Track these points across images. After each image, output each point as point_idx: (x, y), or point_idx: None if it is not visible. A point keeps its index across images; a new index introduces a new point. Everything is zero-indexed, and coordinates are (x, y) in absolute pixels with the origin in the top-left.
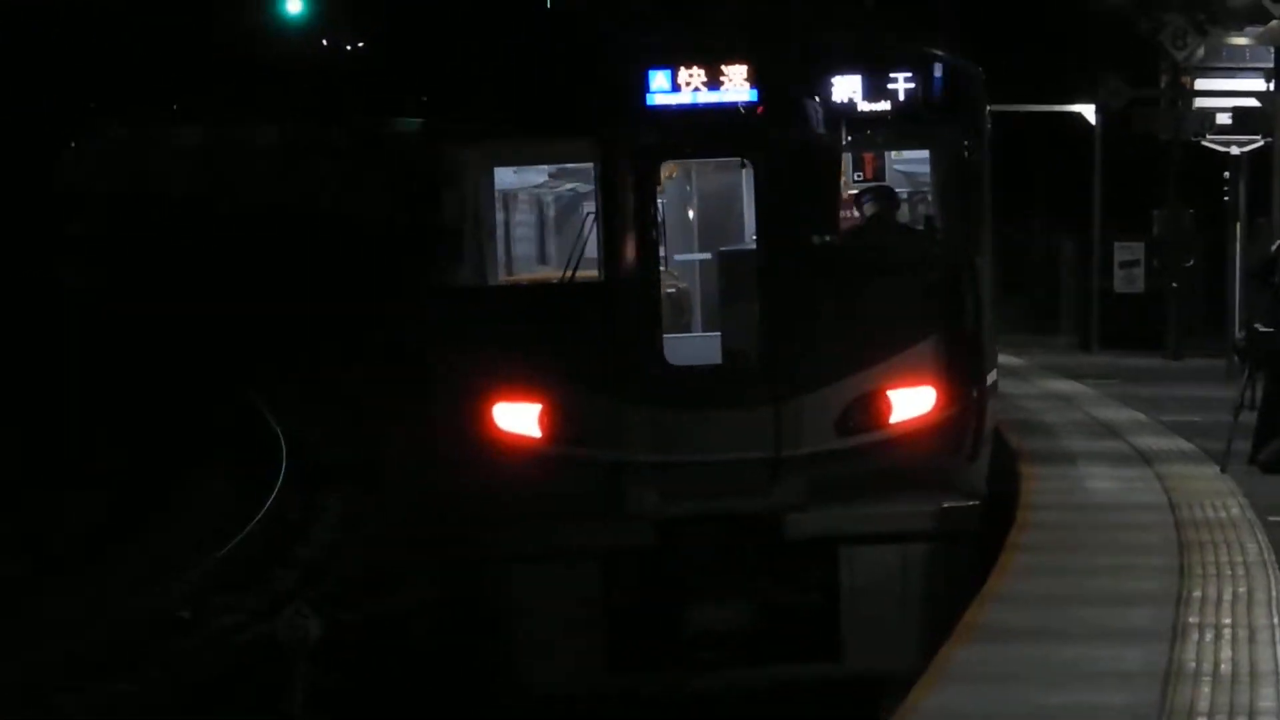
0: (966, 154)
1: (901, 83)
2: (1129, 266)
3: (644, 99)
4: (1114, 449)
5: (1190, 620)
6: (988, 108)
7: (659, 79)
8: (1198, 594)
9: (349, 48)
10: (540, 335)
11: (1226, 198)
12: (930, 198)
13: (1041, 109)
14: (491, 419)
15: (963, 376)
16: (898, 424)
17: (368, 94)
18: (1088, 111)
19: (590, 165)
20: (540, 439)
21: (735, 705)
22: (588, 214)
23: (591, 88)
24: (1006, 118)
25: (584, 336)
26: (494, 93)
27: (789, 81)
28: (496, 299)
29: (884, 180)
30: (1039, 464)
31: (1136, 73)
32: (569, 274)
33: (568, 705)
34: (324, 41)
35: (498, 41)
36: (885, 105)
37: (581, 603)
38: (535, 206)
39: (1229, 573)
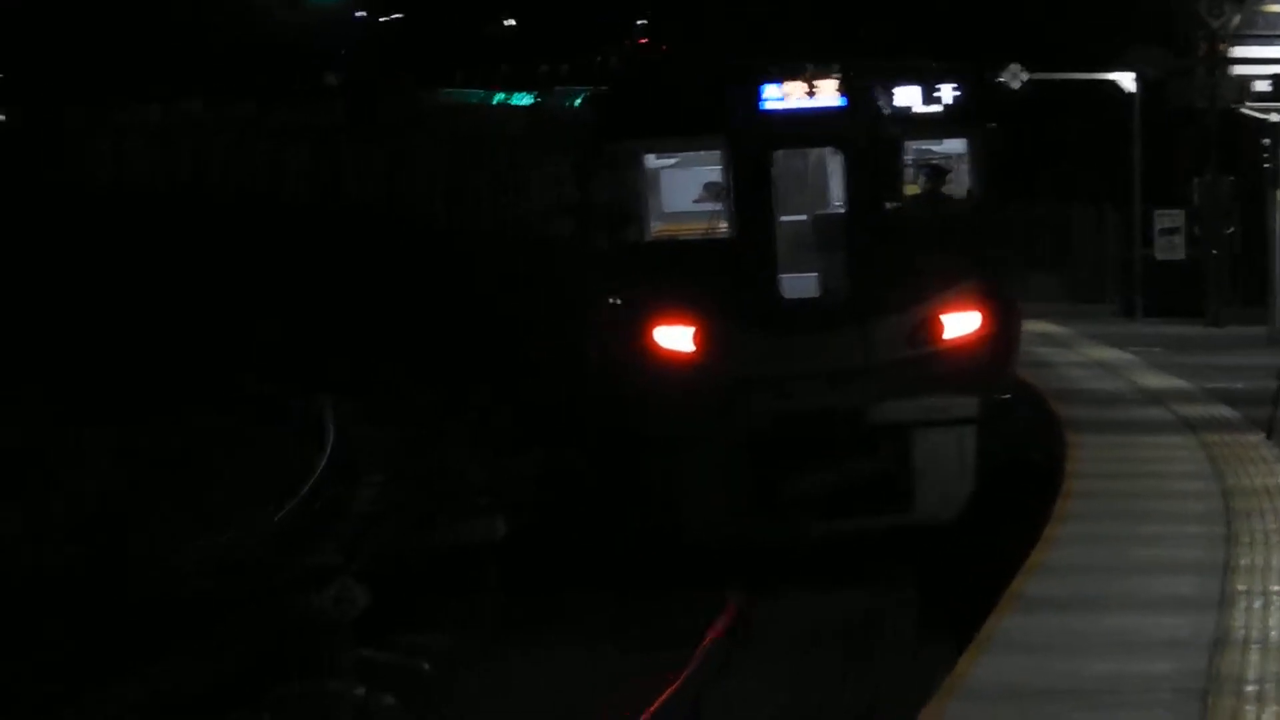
0: (990, 143)
1: (946, 92)
2: (1169, 234)
3: (760, 104)
4: (1158, 417)
5: (1238, 588)
6: (1000, 110)
7: (771, 91)
8: (1246, 561)
9: (382, 20)
10: (689, 277)
11: (1266, 165)
12: (965, 174)
13: (1080, 77)
14: (653, 340)
15: (995, 304)
16: (950, 339)
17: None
18: (1126, 80)
19: (721, 153)
20: (689, 354)
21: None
22: (719, 190)
23: (721, 97)
24: (1046, 87)
25: (715, 278)
26: (657, 101)
27: (865, 91)
28: (656, 251)
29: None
30: (1083, 433)
31: (1174, 41)
32: (708, 232)
33: (712, 551)
34: (360, 14)
35: (658, 66)
36: (934, 108)
37: (720, 473)
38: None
39: (1278, 540)
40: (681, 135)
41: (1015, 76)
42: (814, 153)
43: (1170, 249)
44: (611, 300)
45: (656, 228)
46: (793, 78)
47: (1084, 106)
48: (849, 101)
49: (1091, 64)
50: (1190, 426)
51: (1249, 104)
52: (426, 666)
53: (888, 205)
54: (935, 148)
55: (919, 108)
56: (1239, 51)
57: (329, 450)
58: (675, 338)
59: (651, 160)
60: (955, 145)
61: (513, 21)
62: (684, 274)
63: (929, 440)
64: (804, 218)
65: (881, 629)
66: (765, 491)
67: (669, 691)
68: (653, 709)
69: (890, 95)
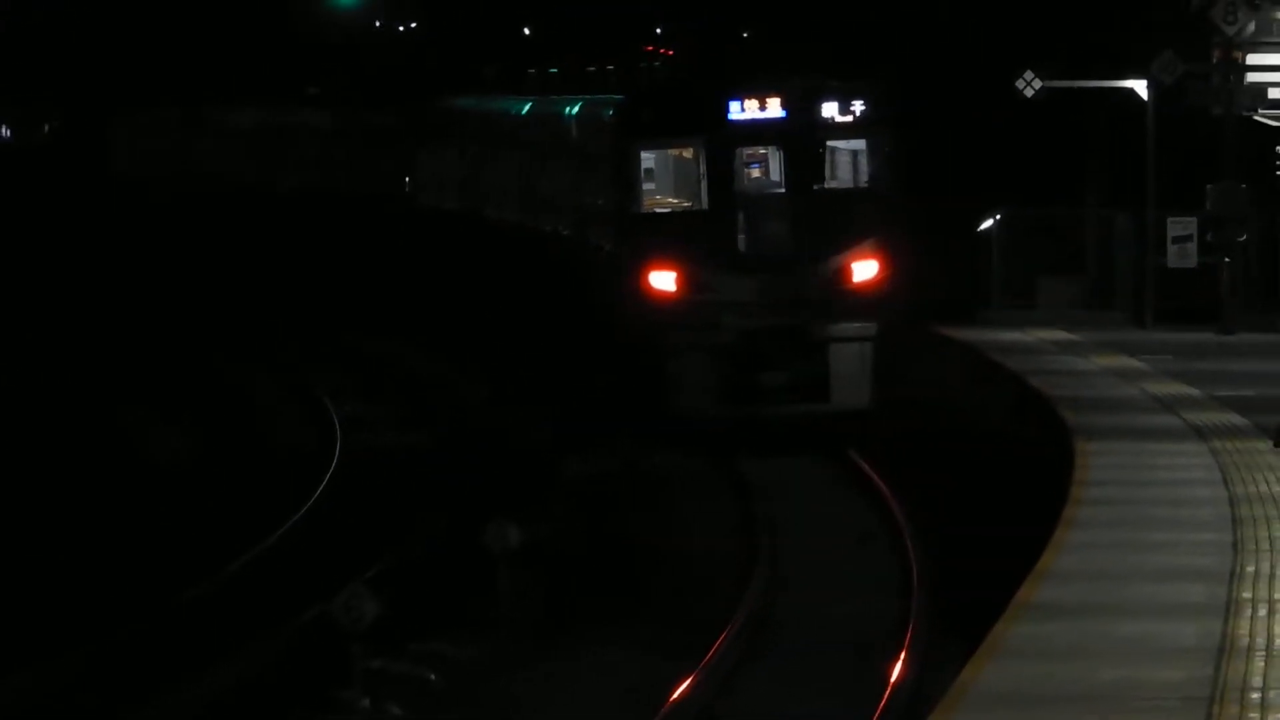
0: (887, 142)
1: (855, 105)
2: (1182, 241)
3: (727, 115)
4: (1168, 424)
5: (1244, 595)
6: (899, 118)
7: (735, 106)
8: (1251, 569)
9: (401, 29)
10: (675, 237)
11: (1279, 172)
12: (869, 165)
13: (1094, 85)
14: (650, 282)
15: (890, 258)
16: (858, 281)
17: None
18: (1140, 87)
19: (700, 150)
20: (675, 291)
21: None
22: (699, 175)
23: (700, 110)
24: (1060, 95)
25: (698, 237)
26: (653, 113)
27: (799, 106)
28: (652, 219)
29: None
30: (1093, 440)
31: (1188, 48)
32: (689, 205)
33: (698, 425)
34: (377, 23)
35: (652, 86)
36: (847, 117)
37: (704, 370)
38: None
39: None
40: (672, 136)
41: (1029, 84)
42: (764, 149)
43: (1183, 257)
44: (625, 254)
45: (655, 202)
46: (749, 97)
47: (1098, 113)
48: (788, 113)
49: (1106, 70)
50: (1200, 434)
51: (1262, 111)
52: (433, 676)
53: (813, 187)
54: (847, 146)
55: (837, 117)
56: (1255, 58)
57: (337, 453)
58: (665, 280)
59: (651, 155)
60: (860, 144)
61: (528, 31)
62: (673, 235)
63: (841, 352)
64: (755, 195)
65: (890, 635)
66: (738, 385)
67: (675, 699)
68: (659, 717)
69: (816, 108)
